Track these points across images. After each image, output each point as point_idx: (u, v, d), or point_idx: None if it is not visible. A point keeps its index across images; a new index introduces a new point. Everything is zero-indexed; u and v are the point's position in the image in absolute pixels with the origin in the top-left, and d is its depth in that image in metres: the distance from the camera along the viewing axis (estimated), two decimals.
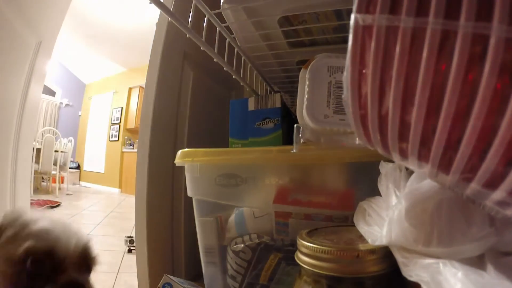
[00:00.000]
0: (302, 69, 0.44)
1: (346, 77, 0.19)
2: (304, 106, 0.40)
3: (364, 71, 0.18)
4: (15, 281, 0.33)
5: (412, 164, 0.20)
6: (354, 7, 0.18)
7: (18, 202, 1.27)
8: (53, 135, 3.75)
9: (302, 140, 0.39)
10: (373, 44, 0.17)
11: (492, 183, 0.16)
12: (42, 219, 0.36)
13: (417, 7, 0.15)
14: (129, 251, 1.80)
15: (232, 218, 0.50)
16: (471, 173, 0.16)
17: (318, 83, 0.40)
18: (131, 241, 1.81)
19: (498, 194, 0.16)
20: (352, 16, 0.18)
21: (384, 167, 0.31)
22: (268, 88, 0.81)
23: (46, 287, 0.33)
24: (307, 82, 0.41)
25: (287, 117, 0.62)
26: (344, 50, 0.19)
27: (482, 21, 0.14)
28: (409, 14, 0.15)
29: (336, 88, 0.40)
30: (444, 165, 0.17)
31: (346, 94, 0.20)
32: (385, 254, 0.28)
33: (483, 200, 0.18)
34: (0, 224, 0.35)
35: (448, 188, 0.20)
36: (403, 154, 0.19)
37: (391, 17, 0.16)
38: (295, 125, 0.40)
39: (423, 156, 0.18)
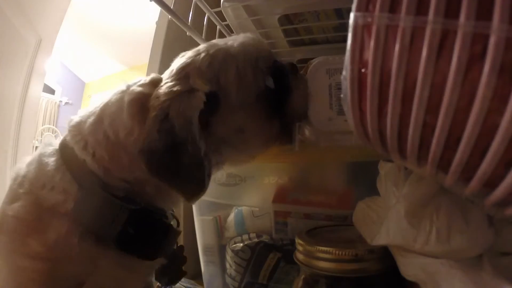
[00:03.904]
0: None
1: (345, 76, 0.19)
2: (309, 113, 0.40)
3: (363, 70, 0.18)
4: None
5: (411, 164, 0.20)
6: (354, 6, 0.17)
7: None
8: (52, 133, 3.74)
9: (302, 139, 0.39)
10: (372, 43, 0.17)
11: (492, 183, 0.16)
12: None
13: (417, 6, 0.15)
14: None
15: (231, 217, 0.50)
16: (471, 173, 0.16)
17: (318, 88, 0.40)
18: None
19: (498, 194, 0.16)
20: (352, 15, 0.17)
21: (384, 167, 0.31)
22: None
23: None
24: None
25: None
26: (345, 49, 0.19)
27: (482, 20, 0.14)
28: (408, 13, 0.15)
29: (337, 90, 0.40)
30: (444, 165, 0.17)
31: (345, 94, 0.20)
32: (384, 253, 0.28)
33: (482, 200, 0.18)
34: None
35: (448, 188, 0.20)
36: (403, 154, 0.19)
37: (390, 16, 0.16)
38: (295, 124, 0.40)
39: (422, 156, 0.18)
